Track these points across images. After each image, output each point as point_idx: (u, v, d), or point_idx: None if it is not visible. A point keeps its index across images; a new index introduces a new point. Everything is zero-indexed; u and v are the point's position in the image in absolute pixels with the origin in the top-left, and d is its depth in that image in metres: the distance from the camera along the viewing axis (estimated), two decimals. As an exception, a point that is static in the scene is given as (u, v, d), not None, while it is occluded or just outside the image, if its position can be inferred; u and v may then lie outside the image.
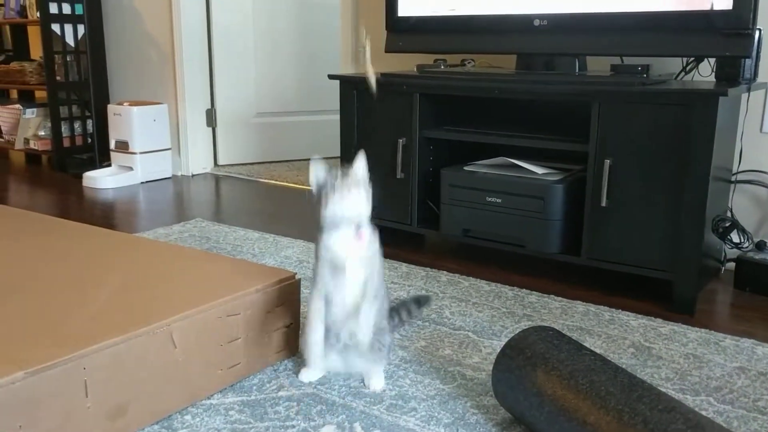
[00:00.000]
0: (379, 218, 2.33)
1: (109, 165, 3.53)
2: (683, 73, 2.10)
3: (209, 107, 3.69)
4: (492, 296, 1.90)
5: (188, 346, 1.27)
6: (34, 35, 4.31)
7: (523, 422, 1.21)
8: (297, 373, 1.43)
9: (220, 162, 3.78)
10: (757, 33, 1.89)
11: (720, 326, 1.72)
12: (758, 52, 1.92)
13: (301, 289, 1.54)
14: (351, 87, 2.31)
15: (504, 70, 2.28)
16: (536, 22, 2.04)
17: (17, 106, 3.99)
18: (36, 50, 4.28)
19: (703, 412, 1.31)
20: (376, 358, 1.37)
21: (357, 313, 1.31)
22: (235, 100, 3.73)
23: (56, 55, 3.61)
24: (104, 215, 2.82)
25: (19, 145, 3.95)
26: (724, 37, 1.77)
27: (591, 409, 1.06)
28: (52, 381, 1.06)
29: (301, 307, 1.54)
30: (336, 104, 2.37)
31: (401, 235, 2.43)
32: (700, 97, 1.70)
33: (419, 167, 2.23)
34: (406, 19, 2.32)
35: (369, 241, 1.31)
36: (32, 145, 3.88)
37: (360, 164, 1.30)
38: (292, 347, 1.51)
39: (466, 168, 2.15)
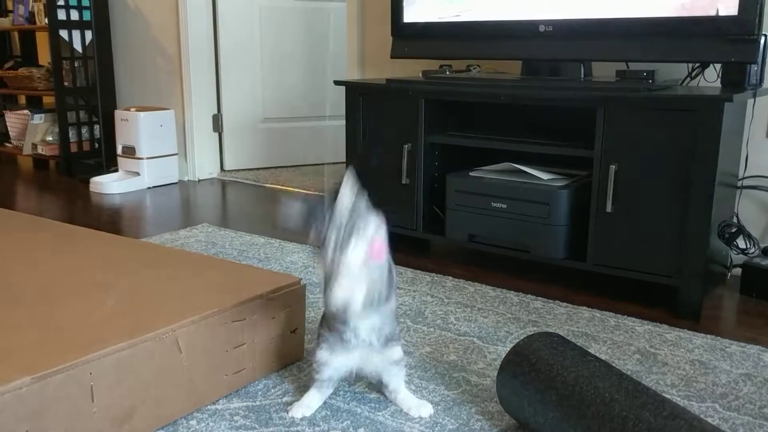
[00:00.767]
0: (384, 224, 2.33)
1: (116, 170, 3.55)
2: (689, 79, 2.10)
3: (216, 112, 3.70)
4: (497, 302, 1.90)
5: (194, 352, 1.28)
6: (42, 41, 4.34)
7: (528, 429, 1.21)
8: (296, 386, 1.43)
9: (227, 167, 3.79)
10: (763, 39, 1.88)
11: (726, 332, 1.72)
12: (764, 58, 1.92)
13: (307, 294, 1.54)
14: (357, 93, 2.32)
15: (509, 76, 2.28)
16: (541, 28, 2.05)
17: (25, 111, 4.02)
18: (44, 56, 4.31)
19: (709, 419, 1.30)
20: (396, 366, 1.32)
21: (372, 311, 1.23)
22: (241, 106, 3.74)
23: (64, 61, 3.64)
24: (111, 220, 2.83)
25: (27, 150, 3.97)
26: (729, 42, 1.77)
27: (595, 415, 1.06)
28: (59, 386, 1.07)
29: (307, 312, 1.54)
30: (342, 110, 2.38)
31: (406, 241, 2.44)
32: (705, 102, 1.70)
33: (425, 173, 2.23)
34: (412, 25, 2.32)
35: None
36: (40, 150, 3.90)
37: (345, 193, 1.15)
38: (298, 352, 1.52)
39: (471, 173, 2.15)
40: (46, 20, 3.57)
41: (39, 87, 3.90)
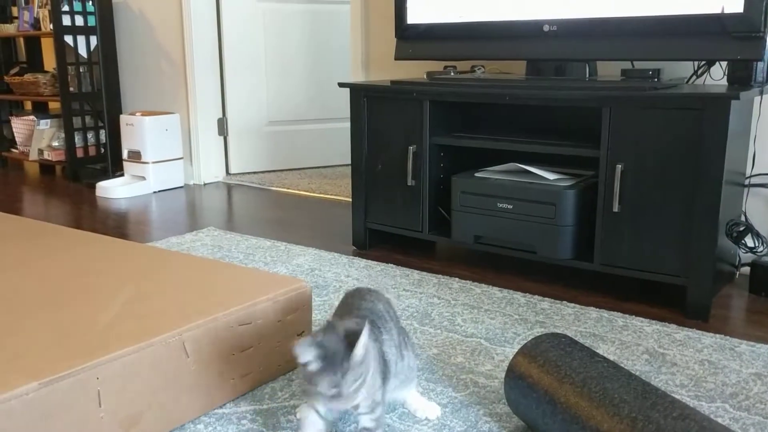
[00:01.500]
0: (390, 225, 2.34)
1: (122, 175, 3.56)
2: (695, 77, 2.09)
3: (221, 116, 3.71)
4: (504, 303, 1.89)
5: (201, 356, 1.28)
6: (47, 47, 4.36)
7: (536, 430, 1.20)
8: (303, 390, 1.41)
9: (232, 171, 3.80)
10: (769, 36, 1.87)
11: (735, 332, 1.71)
12: (770, 55, 1.91)
13: (313, 297, 1.54)
14: (361, 95, 2.32)
15: (514, 76, 2.28)
16: (546, 28, 2.04)
17: (31, 117, 4.03)
18: (49, 62, 4.33)
19: (719, 420, 1.29)
20: (405, 386, 1.29)
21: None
22: (246, 109, 3.75)
23: (69, 67, 3.65)
24: (117, 225, 2.84)
25: (33, 155, 3.98)
26: (735, 40, 1.76)
27: (604, 417, 1.05)
28: (66, 391, 1.07)
29: (313, 315, 1.54)
30: (346, 112, 2.38)
31: (412, 242, 2.43)
32: (712, 101, 1.69)
33: (430, 174, 2.23)
34: (416, 27, 2.32)
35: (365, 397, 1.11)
36: (46, 155, 3.92)
37: (362, 346, 1.05)
38: (304, 356, 1.51)
39: (477, 174, 2.15)
40: (51, 26, 3.58)
41: (45, 93, 3.91)
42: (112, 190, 3.37)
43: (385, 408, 1.19)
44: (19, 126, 4.14)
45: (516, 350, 1.56)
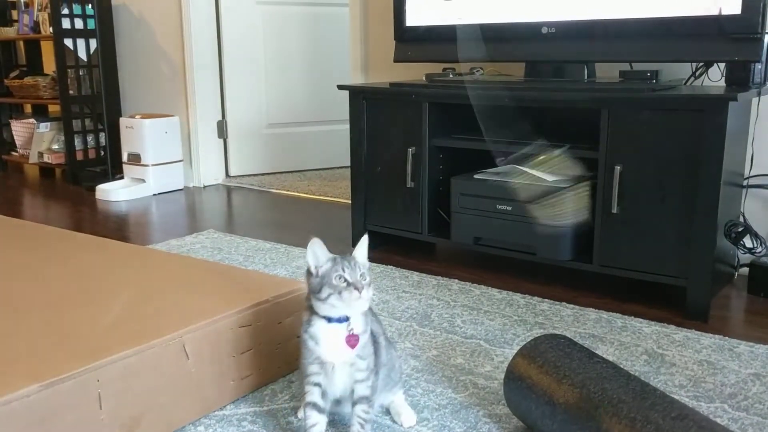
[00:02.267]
0: (390, 227, 2.34)
1: (122, 177, 3.56)
2: (693, 79, 2.10)
3: (220, 119, 3.72)
4: (503, 304, 1.89)
5: (201, 358, 1.28)
6: (47, 50, 4.36)
7: (536, 431, 1.21)
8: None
9: (232, 173, 3.80)
10: (767, 37, 1.88)
11: (734, 332, 1.71)
12: (768, 56, 1.92)
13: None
14: (360, 97, 2.32)
15: (513, 78, 2.28)
16: (544, 30, 2.05)
17: (31, 120, 4.04)
18: (49, 65, 4.33)
19: (718, 420, 1.30)
20: (390, 389, 1.29)
21: (352, 396, 1.18)
22: (245, 112, 3.75)
23: (69, 70, 3.66)
24: (117, 227, 2.84)
25: (33, 158, 3.99)
26: (733, 41, 1.76)
27: (603, 417, 1.05)
28: (67, 394, 1.07)
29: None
30: (346, 114, 2.39)
31: (412, 244, 2.44)
32: (710, 102, 1.69)
33: (429, 176, 2.23)
34: (415, 29, 2.33)
35: (362, 346, 1.15)
36: (46, 158, 3.92)
37: (362, 250, 1.16)
38: (304, 357, 1.52)
39: (476, 176, 2.15)
40: (51, 29, 3.59)
41: (44, 96, 3.92)
42: (112, 193, 3.37)
43: (376, 386, 1.20)
44: (18, 129, 4.15)
45: (515, 351, 1.57)
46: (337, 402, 1.21)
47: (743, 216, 2.08)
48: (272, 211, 3.06)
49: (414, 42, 2.34)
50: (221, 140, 3.75)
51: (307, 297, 1.18)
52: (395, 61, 2.39)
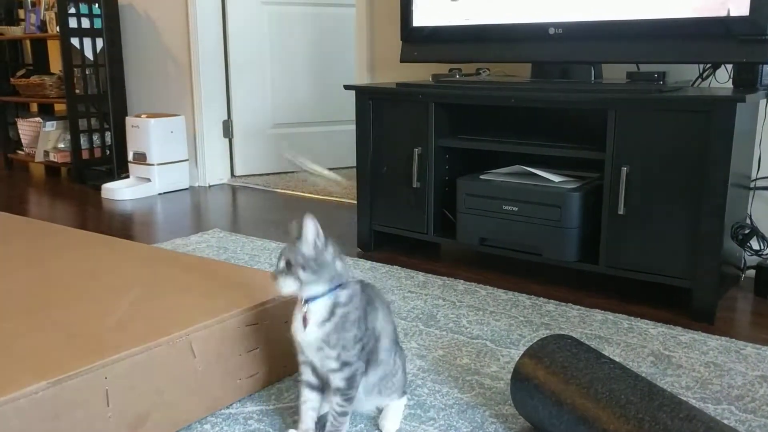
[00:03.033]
0: (395, 227, 2.34)
1: (128, 176, 3.57)
2: (700, 80, 2.09)
3: (226, 118, 3.72)
4: (509, 305, 1.89)
5: (207, 356, 1.28)
6: (53, 49, 4.38)
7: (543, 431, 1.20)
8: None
9: (237, 173, 3.80)
10: (775, 39, 1.88)
11: (741, 334, 1.71)
12: (776, 58, 1.91)
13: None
14: (367, 97, 2.32)
15: (519, 79, 2.28)
16: (551, 31, 2.04)
17: (37, 119, 4.05)
18: (56, 64, 4.35)
19: (725, 421, 1.29)
20: (387, 395, 1.27)
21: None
22: (251, 112, 3.76)
23: (75, 69, 3.67)
24: (123, 226, 2.85)
25: (39, 157, 4.00)
26: (741, 43, 1.76)
27: (611, 418, 1.05)
28: (74, 391, 1.08)
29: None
30: (352, 114, 2.39)
31: (418, 244, 2.44)
32: (717, 103, 1.69)
33: (435, 176, 2.23)
34: (421, 30, 2.33)
35: (326, 332, 1.14)
36: (52, 157, 3.93)
37: (306, 234, 1.13)
38: (310, 357, 1.51)
39: (482, 177, 2.15)
40: (58, 28, 3.60)
41: (51, 95, 3.93)
42: (118, 192, 3.38)
43: (359, 379, 1.17)
44: (25, 128, 4.16)
45: (521, 352, 1.57)
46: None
47: (750, 218, 2.07)
48: (277, 211, 3.06)
49: (420, 42, 2.34)
50: (227, 140, 3.75)
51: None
52: (402, 61, 2.39)
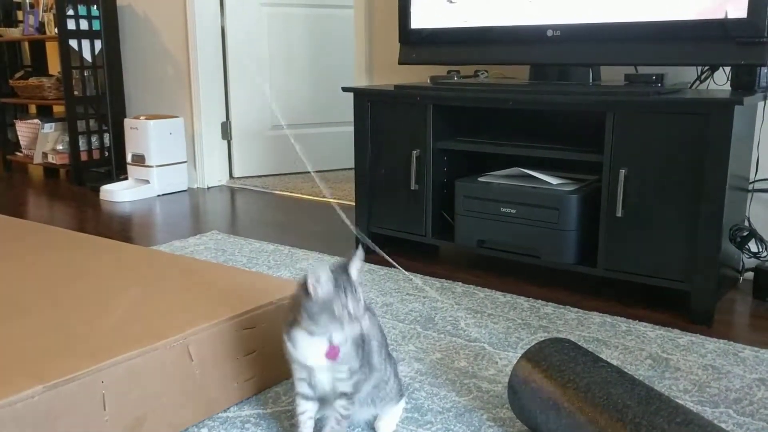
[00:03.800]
0: (393, 229, 2.34)
1: (126, 178, 3.57)
2: (698, 82, 2.09)
3: (224, 120, 3.72)
4: (507, 307, 1.89)
5: (205, 360, 1.28)
6: (52, 51, 4.37)
7: (540, 435, 1.20)
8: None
9: (236, 174, 3.80)
10: (773, 41, 1.87)
11: (739, 337, 1.70)
12: (774, 60, 1.91)
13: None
14: (365, 99, 2.32)
15: (517, 81, 2.28)
16: (549, 33, 2.04)
17: (36, 120, 4.05)
18: (54, 66, 4.34)
19: (723, 425, 1.29)
20: (382, 406, 1.26)
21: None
22: (249, 113, 3.76)
23: (74, 71, 3.67)
24: (121, 228, 2.84)
25: (37, 159, 4.00)
26: (739, 45, 1.76)
27: (608, 422, 1.05)
28: (71, 395, 1.07)
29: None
30: (350, 116, 2.38)
31: (416, 247, 2.43)
32: (715, 105, 1.69)
33: (433, 178, 2.23)
34: (419, 32, 2.33)
35: (342, 359, 1.13)
36: (50, 159, 3.93)
37: (357, 269, 1.11)
38: (308, 360, 1.51)
39: (480, 179, 2.15)
40: (56, 30, 3.60)
41: (49, 96, 3.92)
42: (116, 194, 3.38)
43: (363, 383, 1.18)
44: (23, 129, 4.16)
45: (519, 355, 1.57)
46: (322, 401, 1.20)
47: (748, 220, 2.07)
48: (276, 213, 3.06)
49: (419, 44, 2.34)
50: (225, 141, 3.75)
51: (291, 305, 1.15)
52: (400, 63, 2.39)
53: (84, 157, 3.80)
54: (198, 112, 3.61)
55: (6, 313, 1.35)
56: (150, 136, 3.43)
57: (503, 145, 2.10)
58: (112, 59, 3.77)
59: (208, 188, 3.66)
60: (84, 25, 3.63)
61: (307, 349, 1.13)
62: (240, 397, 1.37)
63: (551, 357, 1.20)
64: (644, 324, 1.77)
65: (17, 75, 4.25)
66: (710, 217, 1.73)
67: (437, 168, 2.24)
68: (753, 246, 1.98)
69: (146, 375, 1.18)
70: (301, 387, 1.18)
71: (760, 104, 2.02)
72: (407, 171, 2.25)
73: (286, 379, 1.46)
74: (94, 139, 3.85)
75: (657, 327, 1.75)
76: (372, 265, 2.26)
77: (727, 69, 2.03)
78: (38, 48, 4.39)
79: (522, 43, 2.12)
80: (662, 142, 1.78)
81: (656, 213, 1.81)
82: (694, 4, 1.81)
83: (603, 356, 1.57)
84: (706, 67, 2.06)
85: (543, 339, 1.27)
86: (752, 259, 2.02)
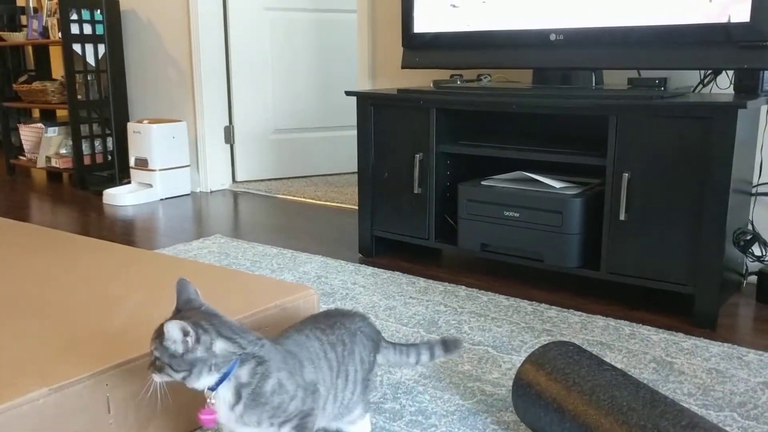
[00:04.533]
0: (397, 233, 2.34)
1: (129, 182, 3.58)
2: (701, 86, 2.09)
3: (227, 124, 3.73)
4: (511, 311, 1.89)
5: (209, 363, 1.28)
6: (55, 55, 4.38)
7: (544, 438, 1.20)
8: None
9: (239, 178, 3.81)
10: (776, 45, 1.88)
11: (743, 340, 1.70)
12: (777, 64, 1.91)
13: (320, 304, 1.54)
14: (368, 103, 2.33)
15: (520, 85, 2.28)
16: (552, 37, 2.05)
17: (39, 124, 4.06)
18: (58, 70, 4.36)
19: (727, 428, 1.29)
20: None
21: None
22: (252, 117, 3.76)
23: (77, 75, 3.68)
24: (124, 232, 2.85)
25: (41, 163, 4.00)
26: (742, 49, 1.76)
27: (613, 425, 1.05)
28: (76, 397, 1.08)
29: (320, 322, 1.54)
30: (353, 120, 2.39)
31: (419, 250, 2.44)
32: (718, 109, 1.69)
33: (436, 182, 2.23)
34: (422, 36, 2.33)
35: (229, 408, 1.04)
36: (54, 163, 3.94)
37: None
38: (312, 363, 1.51)
39: (483, 182, 2.15)
40: (60, 34, 3.61)
41: (53, 100, 3.93)
42: (119, 198, 3.38)
43: (312, 421, 1.09)
44: (27, 133, 4.17)
45: (523, 358, 1.56)
46: None
47: (752, 224, 2.07)
48: (279, 217, 3.07)
49: (422, 48, 2.35)
50: (228, 145, 3.76)
51: None
52: (403, 67, 2.40)
53: (87, 161, 3.81)
54: (201, 116, 3.61)
55: (11, 316, 1.35)
56: (153, 140, 3.44)
57: (506, 149, 2.11)
58: (115, 63, 3.78)
59: (211, 192, 3.67)
60: (87, 29, 3.65)
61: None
62: (244, 401, 1.37)
63: (555, 360, 1.20)
64: (648, 327, 1.77)
65: (21, 79, 4.26)
66: (714, 220, 1.73)
67: (440, 172, 2.24)
68: (756, 249, 1.98)
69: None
70: None
71: (763, 108, 2.02)
72: (410, 175, 2.26)
73: (290, 382, 1.46)
74: (97, 143, 3.86)
75: (661, 330, 1.75)
76: (375, 269, 2.26)
77: (730, 73, 2.03)
78: (42, 52, 4.40)
79: (525, 47, 2.13)
80: (665, 146, 1.78)
81: (660, 216, 1.81)
82: (698, 8, 1.81)
83: (607, 360, 1.57)
84: (709, 71, 2.06)
85: (547, 342, 1.27)
86: (756, 263, 2.02)
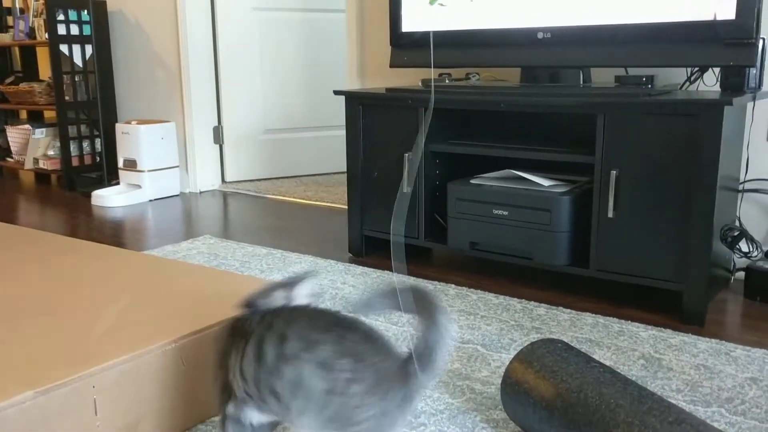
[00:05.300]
0: (386, 232, 2.34)
1: (118, 183, 3.56)
2: (688, 83, 2.10)
3: (216, 124, 3.71)
4: (500, 309, 1.89)
5: (197, 364, 1.28)
6: (43, 56, 4.36)
7: (533, 436, 1.20)
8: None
9: (228, 179, 3.80)
10: (761, 42, 1.89)
11: (731, 336, 1.71)
12: (762, 61, 1.92)
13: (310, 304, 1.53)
14: (357, 102, 2.32)
15: (509, 83, 2.29)
16: (540, 35, 2.05)
17: (27, 126, 4.03)
18: (45, 71, 4.33)
19: (715, 424, 1.29)
20: None
21: None
22: (242, 117, 3.75)
23: (65, 76, 3.66)
24: (113, 233, 2.83)
25: (28, 164, 3.98)
26: (728, 46, 1.77)
27: (601, 422, 1.05)
28: (62, 400, 1.07)
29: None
30: (342, 120, 2.39)
31: (408, 249, 2.44)
32: (705, 106, 1.70)
33: (426, 181, 2.23)
34: (411, 35, 2.33)
35: None
36: (42, 164, 3.91)
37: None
38: (301, 363, 1.51)
39: (472, 181, 2.16)
40: (47, 35, 3.59)
41: (40, 102, 3.91)
42: (108, 199, 3.37)
43: None
44: (14, 135, 4.14)
45: (512, 356, 1.57)
46: None
47: (739, 220, 2.08)
48: (268, 217, 3.06)
49: (410, 47, 2.35)
50: (217, 146, 3.75)
51: None
52: (391, 66, 2.40)
53: (75, 162, 3.79)
54: (190, 116, 3.60)
55: (-3, 319, 1.34)
56: (141, 141, 3.42)
57: (495, 148, 2.11)
58: (103, 64, 3.76)
59: (200, 193, 3.65)
60: (75, 30, 3.63)
61: None
62: (233, 401, 1.36)
63: (544, 358, 1.21)
64: (636, 324, 1.77)
65: (8, 80, 4.24)
66: (701, 217, 1.73)
67: (429, 171, 2.24)
68: (744, 246, 1.99)
69: (138, 380, 1.18)
70: None
71: (750, 105, 2.03)
72: (399, 174, 2.26)
73: (279, 382, 1.46)
74: (85, 144, 3.84)
75: (649, 327, 1.76)
76: (365, 268, 2.26)
77: (717, 70, 2.04)
78: (29, 53, 4.38)
79: (513, 45, 2.13)
80: (653, 143, 1.79)
81: (648, 214, 1.82)
82: (684, 6, 1.82)
83: (596, 357, 1.58)
84: (696, 69, 2.07)
85: (536, 340, 1.27)
86: (743, 259, 2.03)
